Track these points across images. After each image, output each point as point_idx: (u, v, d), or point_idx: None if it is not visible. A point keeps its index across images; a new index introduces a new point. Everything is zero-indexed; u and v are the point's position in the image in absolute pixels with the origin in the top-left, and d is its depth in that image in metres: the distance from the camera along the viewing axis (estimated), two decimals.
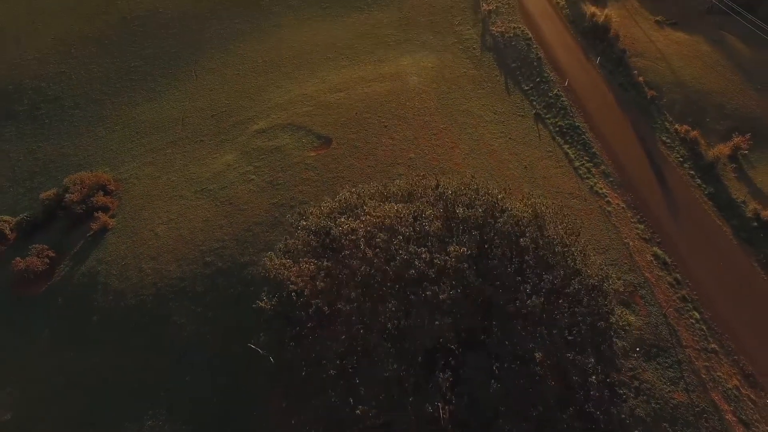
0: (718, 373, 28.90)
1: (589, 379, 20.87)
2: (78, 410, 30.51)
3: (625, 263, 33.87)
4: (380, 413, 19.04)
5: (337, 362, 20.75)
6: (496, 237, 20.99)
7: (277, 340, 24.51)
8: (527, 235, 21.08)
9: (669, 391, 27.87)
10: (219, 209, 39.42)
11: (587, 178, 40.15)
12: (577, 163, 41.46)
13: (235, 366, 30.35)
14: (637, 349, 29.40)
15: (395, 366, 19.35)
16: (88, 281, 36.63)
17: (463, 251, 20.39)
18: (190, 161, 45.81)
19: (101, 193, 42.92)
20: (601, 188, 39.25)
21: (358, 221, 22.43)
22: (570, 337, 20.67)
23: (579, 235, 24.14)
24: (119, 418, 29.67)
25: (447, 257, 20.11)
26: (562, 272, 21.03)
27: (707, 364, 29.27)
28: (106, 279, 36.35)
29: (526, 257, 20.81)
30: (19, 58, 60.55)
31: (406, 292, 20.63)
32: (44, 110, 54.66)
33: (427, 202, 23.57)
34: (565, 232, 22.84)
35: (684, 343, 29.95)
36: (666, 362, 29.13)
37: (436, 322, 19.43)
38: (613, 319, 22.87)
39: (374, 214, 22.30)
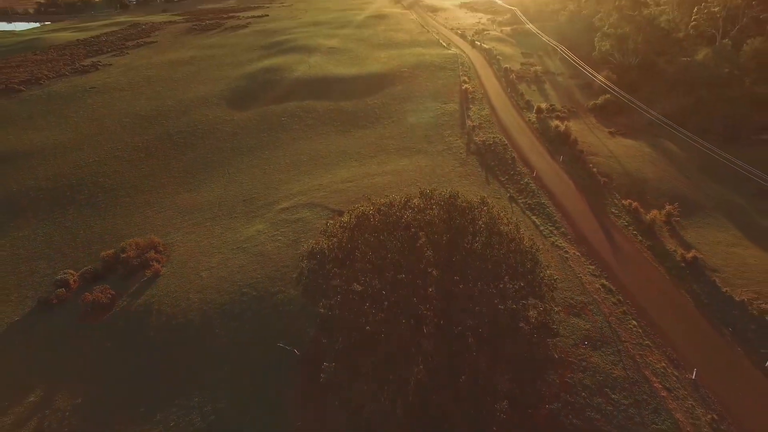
0: (650, 359, 38.72)
1: (517, 285, 31.11)
2: (136, 394, 39.54)
3: (578, 289, 45.07)
4: (382, 318, 29.05)
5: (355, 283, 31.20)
6: (456, 212, 32.85)
7: (310, 287, 34.81)
8: (477, 212, 33.03)
9: (610, 369, 37.57)
10: (252, 258, 51.36)
11: (550, 236, 52.65)
12: (542, 228, 54.24)
13: (266, 360, 40.10)
14: (585, 342, 39.65)
15: (392, 273, 29.95)
16: (144, 309, 47.34)
17: (435, 213, 32.30)
18: (226, 230, 58.76)
19: (153, 251, 55.10)
20: (561, 243, 51.55)
21: (366, 207, 34.84)
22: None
23: (518, 226, 35.69)
24: (171, 396, 38.71)
25: (425, 217, 32.01)
26: (504, 240, 32.33)
27: (641, 352, 39.20)
28: (159, 307, 47.12)
29: (478, 227, 32.34)
30: (81, 162, 76.80)
31: (399, 234, 32.04)
32: (101, 198, 68.92)
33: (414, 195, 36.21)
34: (507, 219, 34.62)
35: (623, 339, 40.17)
36: (608, 351, 39.13)
37: (417, 243, 30.58)
38: (541, 272, 33.29)
39: (377, 201, 34.84)
